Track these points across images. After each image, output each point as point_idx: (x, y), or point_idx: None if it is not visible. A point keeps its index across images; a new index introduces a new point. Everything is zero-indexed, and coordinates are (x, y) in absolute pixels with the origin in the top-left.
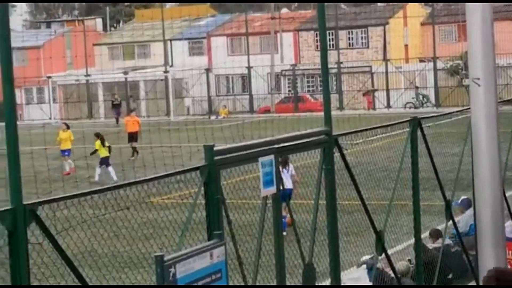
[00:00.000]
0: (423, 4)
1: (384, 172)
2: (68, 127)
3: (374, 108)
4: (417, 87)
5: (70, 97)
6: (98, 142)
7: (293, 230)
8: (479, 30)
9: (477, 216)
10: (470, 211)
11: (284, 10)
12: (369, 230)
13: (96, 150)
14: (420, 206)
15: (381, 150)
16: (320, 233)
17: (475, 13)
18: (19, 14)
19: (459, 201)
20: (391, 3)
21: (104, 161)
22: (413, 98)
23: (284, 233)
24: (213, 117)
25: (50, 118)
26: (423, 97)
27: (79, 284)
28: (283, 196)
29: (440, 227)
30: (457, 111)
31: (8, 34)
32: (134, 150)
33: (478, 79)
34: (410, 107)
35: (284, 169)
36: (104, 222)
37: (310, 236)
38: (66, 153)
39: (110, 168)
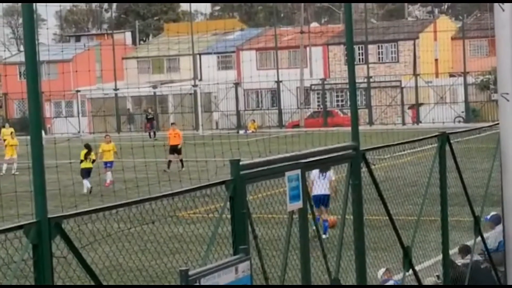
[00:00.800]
0: (453, 18)
1: (413, 187)
2: (110, 140)
3: (417, 122)
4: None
5: (99, 111)
6: (83, 152)
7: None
8: (509, 45)
9: (506, 232)
10: (499, 227)
11: (314, 24)
12: (397, 245)
13: (92, 161)
14: (448, 221)
15: (410, 165)
16: (348, 248)
17: (504, 28)
18: (47, 28)
19: (489, 216)
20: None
21: (86, 172)
22: (462, 112)
23: (325, 236)
24: (241, 132)
25: (78, 132)
26: (472, 111)
27: None
28: (317, 201)
29: (470, 243)
30: (485, 127)
31: (34, 48)
32: (180, 162)
33: (507, 94)
34: (459, 121)
35: (321, 175)
36: (130, 237)
37: (336, 251)
38: (109, 165)
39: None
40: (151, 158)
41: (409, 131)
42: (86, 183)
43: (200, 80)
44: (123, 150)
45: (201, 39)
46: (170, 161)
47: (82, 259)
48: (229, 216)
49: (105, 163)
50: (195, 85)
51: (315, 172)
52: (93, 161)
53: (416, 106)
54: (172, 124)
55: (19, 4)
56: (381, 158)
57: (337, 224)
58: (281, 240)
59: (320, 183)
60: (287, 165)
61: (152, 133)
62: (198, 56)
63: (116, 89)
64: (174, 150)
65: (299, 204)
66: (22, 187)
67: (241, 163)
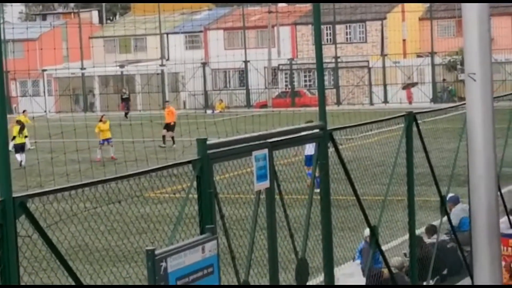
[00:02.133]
0: None
1: (380, 167)
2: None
3: (411, 102)
4: (444, 80)
5: (66, 90)
6: (16, 128)
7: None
8: (476, 25)
9: (472, 212)
10: (459, 206)
11: (282, 4)
12: (364, 225)
13: (14, 137)
14: (415, 201)
15: (378, 145)
16: (315, 228)
17: (471, 9)
18: (12, 5)
19: (447, 198)
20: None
21: (19, 148)
22: (439, 92)
23: (318, 190)
24: (209, 112)
25: (45, 111)
26: (449, 91)
27: (69, 278)
28: (310, 160)
29: (436, 222)
30: (452, 107)
31: None
32: (172, 139)
33: (474, 74)
34: (435, 102)
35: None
36: (96, 216)
37: (303, 231)
38: (110, 141)
39: (23, 155)
40: (117, 138)
41: (377, 111)
42: (20, 157)
43: (168, 59)
44: (90, 129)
45: (168, 19)
46: (163, 136)
47: (47, 239)
48: (196, 196)
49: (105, 140)
50: (162, 65)
51: None
52: (25, 136)
53: (411, 86)
54: (166, 102)
55: None
56: (348, 138)
57: None
58: (248, 220)
59: (311, 145)
60: (254, 144)
61: (125, 113)
62: (165, 35)
63: (83, 68)
64: (168, 127)
65: (266, 184)
66: None
67: (208, 142)
